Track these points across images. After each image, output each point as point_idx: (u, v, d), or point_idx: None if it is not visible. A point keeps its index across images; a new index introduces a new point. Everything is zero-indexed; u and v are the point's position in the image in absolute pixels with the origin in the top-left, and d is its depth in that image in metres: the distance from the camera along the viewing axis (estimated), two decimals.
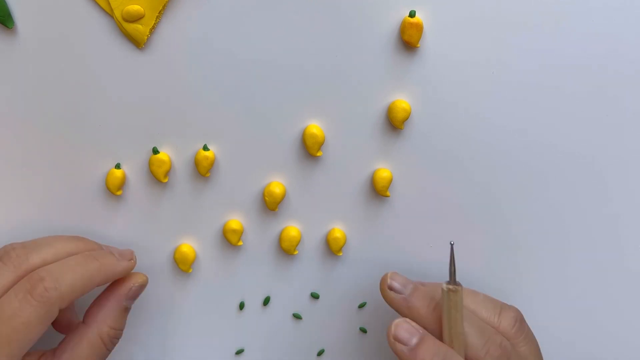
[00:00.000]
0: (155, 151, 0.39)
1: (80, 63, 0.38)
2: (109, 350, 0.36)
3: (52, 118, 0.39)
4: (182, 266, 0.40)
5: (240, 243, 0.40)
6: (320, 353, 0.42)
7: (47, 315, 0.33)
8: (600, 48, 0.38)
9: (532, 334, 0.37)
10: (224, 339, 0.42)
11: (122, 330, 0.37)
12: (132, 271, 0.38)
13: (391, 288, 0.36)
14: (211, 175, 0.40)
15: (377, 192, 0.39)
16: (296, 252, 0.41)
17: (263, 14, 0.38)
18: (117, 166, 0.39)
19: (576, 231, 0.41)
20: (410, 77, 0.38)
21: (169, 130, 0.39)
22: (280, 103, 0.39)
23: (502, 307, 0.37)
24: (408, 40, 0.37)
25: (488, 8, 0.38)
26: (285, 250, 0.40)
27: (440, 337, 0.34)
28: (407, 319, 0.35)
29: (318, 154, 0.39)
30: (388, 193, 0.39)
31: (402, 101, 0.38)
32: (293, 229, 0.40)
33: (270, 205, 0.40)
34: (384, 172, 0.39)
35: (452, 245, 0.35)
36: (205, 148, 0.39)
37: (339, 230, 0.40)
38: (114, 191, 0.39)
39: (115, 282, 0.37)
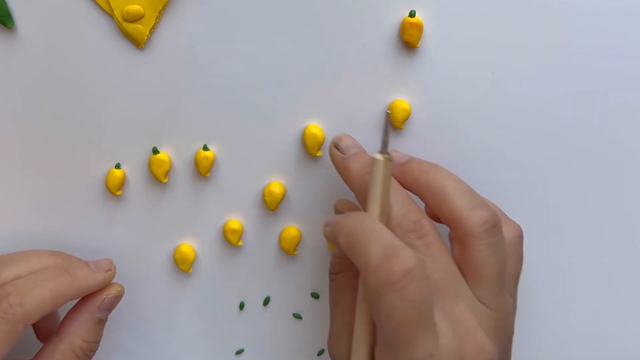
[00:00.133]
0: (155, 151, 0.39)
1: (80, 63, 0.38)
2: None
3: (52, 118, 0.39)
4: (182, 266, 0.40)
5: (240, 243, 0.40)
6: (320, 353, 0.42)
7: (12, 332, 0.33)
8: (603, 47, 0.38)
9: (508, 249, 0.34)
10: (224, 339, 0.42)
11: (97, 342, 0.36)
12: (112, 281, 0.37)
13: (337, 147, 0.36)
14: (211, 175, 0.40)
15: None
16: (296, 252, 0.41)
17: (263, 13, 0.38)
18: (117, 166, 0.39)
19: (576, 231, 0.41)
20: (410, 77, 0.38)
21: (169, 130, 0.39)
22: (280, 103, 0.39)
23: (480, 204, 0.33)
24: (408, 40, 0.37)
25: (488, 8, 0.38)
26: (285, 250, 0.40)
27: (365, 205, 0.33)
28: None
29: (318, 154, 0.39)
30: None
31: (402, 101, 0.38)
32: (293, 229, 0.40)
33: (270, 205, 0.40)
34: None
35: (388, 114, 0.33)
36: (205, 148, 0.39)
37: None
38: (114, 191, 0.39)
39: (90, 294, 0.36)
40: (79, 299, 0.37)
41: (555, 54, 0.38)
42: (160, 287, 0.41)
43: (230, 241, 0.40)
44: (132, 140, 0.39)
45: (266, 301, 0.41)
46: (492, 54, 0.38)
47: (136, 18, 0.37)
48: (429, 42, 0.38)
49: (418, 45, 0.38)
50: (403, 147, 0.39)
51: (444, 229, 0.34)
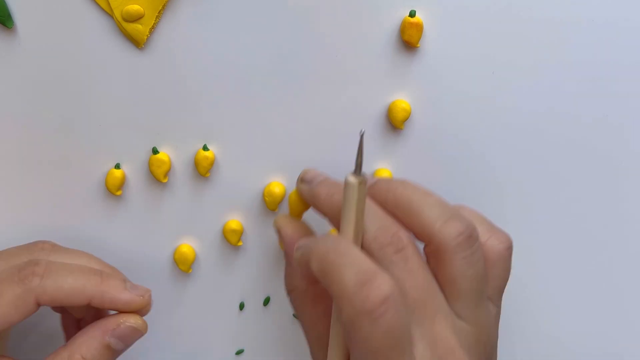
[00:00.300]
0: (155, 151, 0.39)
1: (80, 63, 0.38)
2: None
3: (52, 118, 0.39)
4: (182, 266, 0.40)
5: (240, 243, 0.40)
6: None
7: (22, 299, 0.32)
8: (604, 45, 0.38)
9: (496, 261, 0.33)
10: (224, 339, 0.42)
11: None
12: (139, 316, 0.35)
13: (303, 180, 0.36)
14: (211, 175, 0.40)
15: None
16: None
17: (263, 14, 0.38)
18: (117, 166, 0.39)
19: (577, 231, 0.41)
20: (410, 77, 0.38)
21: (169, 130, 0.39)
22: (280, 103, 0.39)
23: (452, 216, 0.31)
24: (408, 40, 0.37)
25: (488, 8, 0.38)
26: None
27: (337, 226, 0.32)
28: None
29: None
30: None
31: (402, 101, 0.38)
32: None
33: (270, 205, 0.40)
34: (384, 172, 0.39)
35: (362, 135, 0.30)
36: (205, 148, 0.39)
37: None
38: (114, 191, 0.39)
39: (109, 315, 0.35)
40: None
41: (556, 54, 0.38)
42: (160, 287, 0.41)
43: (230, 241, 0.40)
44: (132, 140, 0.39)
45: (266, 301, 0.41)
46: (492, 54, 0.38)
47: (136, 18, 0.37)
48: (429, 42, 0.38)
49: (418, 45, 0.38)
50: (403, 147, 0.39)
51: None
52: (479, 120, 0.39)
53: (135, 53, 0.38)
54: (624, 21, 0.38)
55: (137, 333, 0.35)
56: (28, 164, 0.39)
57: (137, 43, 0.38)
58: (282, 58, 0.38)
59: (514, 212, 0.40)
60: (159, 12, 0.37)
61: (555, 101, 0.39)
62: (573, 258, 0.41)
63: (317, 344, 0.34)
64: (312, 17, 0.38)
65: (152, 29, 0.38)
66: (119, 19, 0.37)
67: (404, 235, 0.31)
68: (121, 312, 0.35)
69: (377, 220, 0.31)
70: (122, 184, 0.39)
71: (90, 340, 0.34)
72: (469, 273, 0.31)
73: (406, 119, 0.38)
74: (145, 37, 0.38)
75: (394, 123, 0.39)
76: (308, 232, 0.36)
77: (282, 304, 0.41)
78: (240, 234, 0.40)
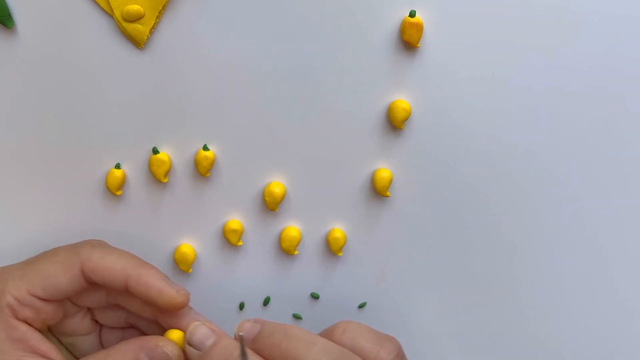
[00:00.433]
0: (155, 151, 0.39)
1: (81, 63, 0.38)
2: None
3: (52, 118, 0.39)
4: (182, 266, 0.40)
5: (240, 243, 0.40)
6: None
7: (71, 260, 0.35)
8: (604, 48, 0.38)
9: None
10: None
11: None
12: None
13: (190, 343, 0.34)
14: (211, 175, 0.40)
15: (377, 192, 0.39)
16: (296, 252, 0.41)
17: (263, 13, 0.38)
18: (117, 166, 0.39)
19: (576, 233, 0.41)
20: (410, 77, 0.38)
21: (169, 130, 0.39)
22: (280, 103, 0.39)
23: (384, 339, 0.34)
24: (408, 40, 0.37)
25: (488, 8, 0.38)
26: (285, 250, 0.40)
27: None
28: (206, 322, 0.34)
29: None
30: (388, 193, 0.39)
31: (402, 101, 0.38)
32: (293, 229, 0.40)
33: (270, 205, 0.40)
34: (384, 172, 0.39)
35: (241, 336, 0.31)
36: (205, 148, 0.39)
37: (339, 230, 0.40)
38: (114, 191, 0.39)
39: (152, 335, 0.35)
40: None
41: (556, 54, 0.38)
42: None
43: (230, 241, 0.40)
44: (132, 140, 0.39)
45: (266, 301, 0.41)
46: (492, 54, 0.38)
47: (136, 18, 0.37)
48: (429, 42, 0.38)
49: (418, 45, 0.38)
50: (403, 147, 0.39)
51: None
52: (478, 121, 0.39)
53: (135, 53, 0.38)
54: (626, 21, 0.38)
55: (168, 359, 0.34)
56: (28, 163, 0.39)
57: (137, 43, 0.38)
58: (282, 58, 0.38)
59: (514, 211, 0.40)
60: (159, 12, 0.37)
61: (555, 101, 0.39)
62: (573, 258, 0.41)
63: None
64: (312, 17, 0.38)
65: (152, 29, 0.38)
66: (119, 19, 0.37)
67: None
68: (156, 306, 0.35)
69: None
70: (122, 184, 0.39)
71: (127, 351, 0.34)
72: None
73: (406, 119, 0.38)
74: (146, 37, 0.38)
75: (394, 123, 0.39)
76: None
77: (282, 303, 0.41)
78: (240, 234, 0.40)
